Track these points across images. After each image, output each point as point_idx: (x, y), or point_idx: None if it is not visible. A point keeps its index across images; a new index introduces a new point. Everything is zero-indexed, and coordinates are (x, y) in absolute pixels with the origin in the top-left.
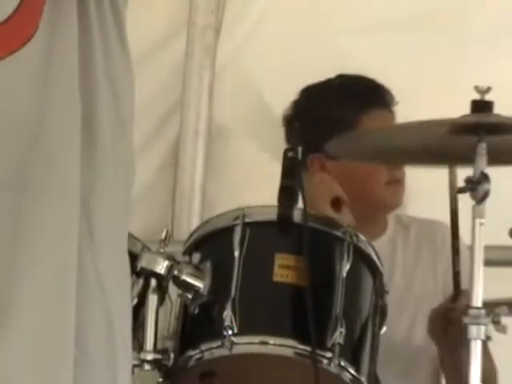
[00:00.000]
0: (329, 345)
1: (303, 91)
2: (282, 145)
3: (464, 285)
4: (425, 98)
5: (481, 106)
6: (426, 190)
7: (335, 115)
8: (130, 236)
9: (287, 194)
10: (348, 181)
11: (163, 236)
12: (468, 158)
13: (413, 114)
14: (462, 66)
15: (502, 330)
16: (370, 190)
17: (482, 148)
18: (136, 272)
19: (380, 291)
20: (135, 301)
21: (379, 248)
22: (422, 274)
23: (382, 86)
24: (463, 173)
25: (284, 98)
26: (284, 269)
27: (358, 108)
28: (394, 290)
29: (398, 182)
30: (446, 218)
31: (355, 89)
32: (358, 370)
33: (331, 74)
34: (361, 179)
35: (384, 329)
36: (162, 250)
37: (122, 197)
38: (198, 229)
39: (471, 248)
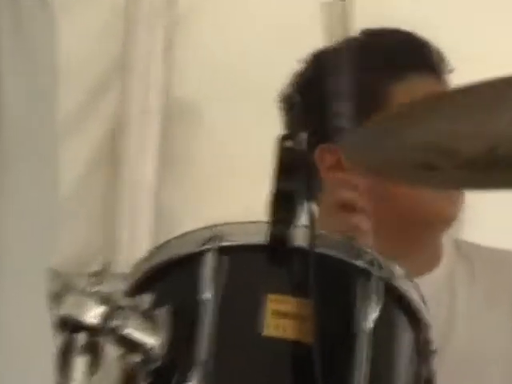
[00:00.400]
0: None
1: (312, 57)
2: (273, 130)
3: None
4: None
5: None
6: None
7: (354, 86)
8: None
9: (283, 203)
10: (376, 186)
11: (96, 267)
12: None
13: None
14: None
15: None
16: (412, 196)
17: None
18: (55, 323)
19: (424, 351)
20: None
21: (430, 287)
22: (495, 325)
23: (426, 42)
24: None
25: (277, 64)
26: (279, 317)
27: (387, 73)
28: (454, 348)
29: None
30: None
31: (383, 47)
32: None
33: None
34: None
35: None
36: (94, 289)
37: (41, 201)
38: (148, 256)
39: None
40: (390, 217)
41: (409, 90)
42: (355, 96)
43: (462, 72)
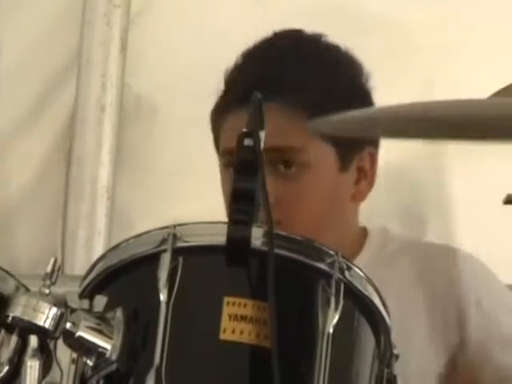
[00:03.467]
0: None
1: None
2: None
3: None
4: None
5: None
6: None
7: None
8: None
9: (242, 202)
10: None
11: (49, 268)
12: None
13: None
14: None
15: None
16: None
17: None
18: (6, 325)
19: (386, 355)
20: (5, 369)
21: None
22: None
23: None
24: None
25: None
26: (237, 321)
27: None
28: None
29: None
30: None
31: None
32: None
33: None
34: None
35: None
36: (46, 291)
37: None
38: (102, 257)
39: None
40: None
41: (233, 125)
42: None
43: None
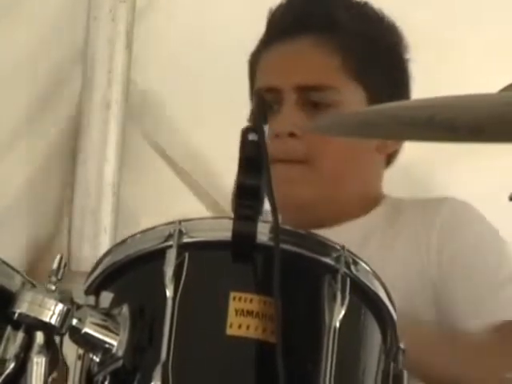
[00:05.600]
0: None
1: None
2: (237, 123)
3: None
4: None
5: None
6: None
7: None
8: (3, 264)
9: (248, 198)
10: None
11: (55, 265)
12: None
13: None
14: None
15: None
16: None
17: None
18: (12, 321)
19: (392, 349)
20: (11, 365)
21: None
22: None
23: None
24: None
25: (240, 56)
26: (243, 316)
27: (261, 45)
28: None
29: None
30: None
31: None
32: None
33: None
34: None
35: None
36: (53, 288)
37: None
38: (108, 253)
39: None
40: None
41: (270, 61)
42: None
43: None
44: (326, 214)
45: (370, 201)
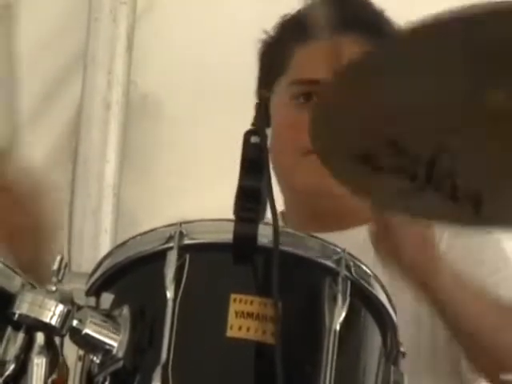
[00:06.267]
0: None
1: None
2: (237, 125)
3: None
4: None
5: None
6: None
7: (268, 52)
8: (3, 266)
9: (249, 200)
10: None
11: (55, 266)
12: None
13: None
14: None
15: None
16: (283, 169)
17: None
18: (13, 322)
19: (392, 353)
20: (12, 366)
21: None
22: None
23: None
24: None
25: (240, 58)
26: (243, 318)
27: (294, 38)
28: None
29: None
30: None
31: (299, 13)
32: None
33: None
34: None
35: None
36: (53, 288)
37: None
38: (109, 255)
39: None
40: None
41: (309, 53)
42: (268, 60)
43: None
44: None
45: None
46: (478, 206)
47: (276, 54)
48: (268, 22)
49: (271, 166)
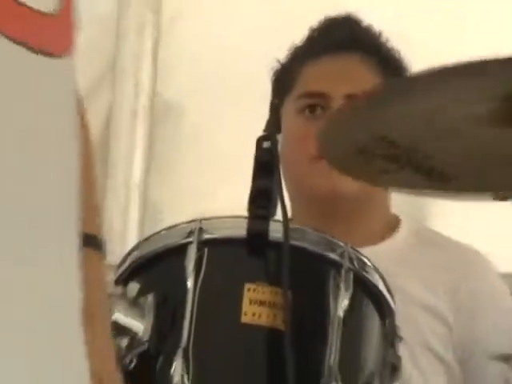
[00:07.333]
0: None
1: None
2: (257, 130)
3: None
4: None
5: None
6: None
7: (280, 69)
8: None
9: (261, 199)
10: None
11: None
12: None
13: None
14: None
15: None
16: (294, 174)
17: None
18: None
19: (391, 337)
20: None
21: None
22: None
23: (349, 22)
24: None
25: (261, 65)
26: (256, 305)
27: (304, 55)
28: None
29: None
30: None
31: (310, 31)
32: None
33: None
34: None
35: None
36: None
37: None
38: (135, 248)
39: None
40: (291, 194)
41: (316, 68)
42: (278, 77)
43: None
44: (365, 208)
45: (388, 226)
46: (448, 181)
47: (286, 72)
48: (287, 34)
49: (282, 174)
